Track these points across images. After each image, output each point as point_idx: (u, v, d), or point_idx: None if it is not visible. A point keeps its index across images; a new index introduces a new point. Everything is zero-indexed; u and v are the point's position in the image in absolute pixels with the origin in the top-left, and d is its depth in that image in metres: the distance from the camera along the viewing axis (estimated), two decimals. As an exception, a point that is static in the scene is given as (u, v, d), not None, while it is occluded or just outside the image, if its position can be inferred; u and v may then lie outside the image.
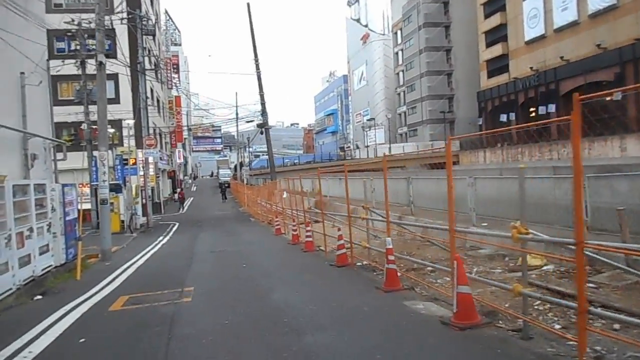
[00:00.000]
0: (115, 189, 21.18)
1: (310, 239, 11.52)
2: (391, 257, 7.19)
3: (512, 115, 51.42)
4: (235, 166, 61.27)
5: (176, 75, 61.36)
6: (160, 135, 38.80)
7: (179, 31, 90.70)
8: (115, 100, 30.19)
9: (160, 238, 18.04)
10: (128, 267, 11.00)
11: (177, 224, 24.38)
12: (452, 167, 6.04)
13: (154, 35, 25.85)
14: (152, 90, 33.46)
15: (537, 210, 9.24)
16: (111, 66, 29.08)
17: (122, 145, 23.44)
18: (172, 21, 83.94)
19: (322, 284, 8.20)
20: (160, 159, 35.48)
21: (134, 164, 22.70)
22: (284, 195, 16.76)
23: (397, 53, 77.72)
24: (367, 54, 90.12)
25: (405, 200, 14.06)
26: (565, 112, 37.33)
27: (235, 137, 66.61)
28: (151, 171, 29.98)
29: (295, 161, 63.03)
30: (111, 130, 30.68)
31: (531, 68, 48.32)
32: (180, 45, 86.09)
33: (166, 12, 72.63)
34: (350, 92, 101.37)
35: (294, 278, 8.88)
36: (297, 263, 10.48)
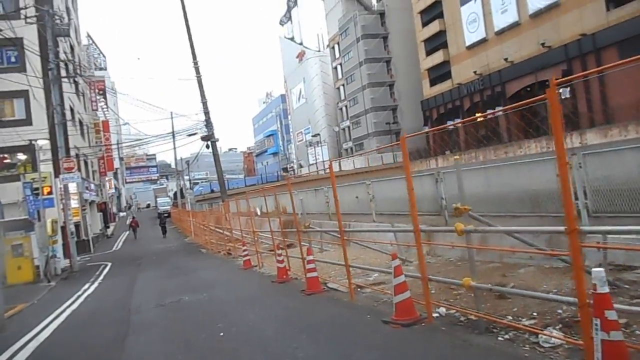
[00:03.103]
0: (25, 226, 16.73)
1: (314, 274, 7.99)
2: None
3: (458, 121, 51.05)
4: (175, 193, 56.30)
5: (103, 100, 56.12)
6: (85, 162, 33.79)
7: (103, 55, 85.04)
8: (27, 121, 25.47)
9: (86, 286, 13.90)
10: (21, 349, 6.91)
11: (110, 264, 19.99)
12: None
13: (67, 36, 21.66)
14: (72, 110, 28.78)
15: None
16: (17, 82, 24.63)
17: (35, 171, 18.88)
18: (96, 45, 78.19)
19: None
20: (87, 188, 30.57)
21: (49, 193, 18.22)
22: (258, 213, 13.36)
23: (335, 68, 76.64)
24: (304, 72, 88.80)
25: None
26: (513, 114, 36.69)
27: (173, 163, 61.64)
28: (74, 203, 25.27)
29: (239, 185, 59.07)
30: (22, 157, 25.77)
31: (475, 72, 48.22)
32: (105, 69, 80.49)
33: (88, 35, 67.02)
34: (290, 111, 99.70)
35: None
36: (318, 322, 6.23)
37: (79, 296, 12.10)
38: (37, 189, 17.71)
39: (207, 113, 24.87)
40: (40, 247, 16.55)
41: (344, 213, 14.97)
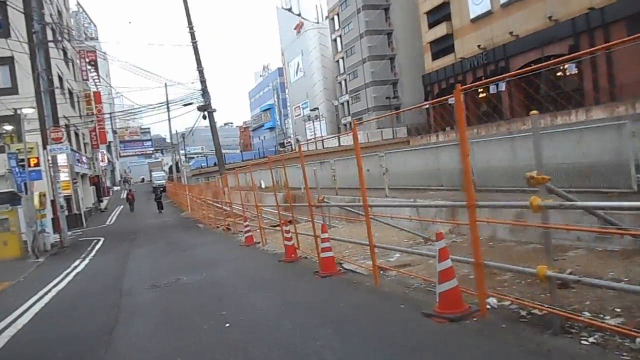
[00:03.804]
0: (11, 200, 15.72)
1: (329, 254, 6.95)
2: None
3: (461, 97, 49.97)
4: (171, 167, 55.14)
5: (94, 71, 54.33)
6: (77, 134, 32.52)
7: (94, 25, 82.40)
8: (12, 89, 24.10)
9: (76, 263, 12.98)
10: None
11: (103, 239, 19.05)
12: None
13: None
14: (60, 78, 27.37)
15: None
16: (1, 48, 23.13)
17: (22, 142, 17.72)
18: (85, 13, 75.61)
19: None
20: (78, 160, 29.42)
21: (36, 165, 17.12)
22: (263, 186, 12.37)
23: (335, 40, 74.63)
24: (302, 44, 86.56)
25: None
26: (517, 90, 35.81)
27: (168, 136, 60.27)
28: (64, 175, 24.22)
29: (236, 160, 57.84)
30: (8, 128, 24.55)
31: (479, 46, 46.95)
32: (97, 40, 78.02)
33: (78, 2, 64.47)
34: (287, 85, 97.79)
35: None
36: (342, 312, 5.24)
37: (68, 274, 11.19)
38: (22, 160, 16.61)
39: (203, 82, 23.52)
40: (27, 221, 15.58)
41: (352, 187, 14.07)
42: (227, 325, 5.15)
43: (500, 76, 3.97)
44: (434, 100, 5.92)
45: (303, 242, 9.32)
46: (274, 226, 13.76)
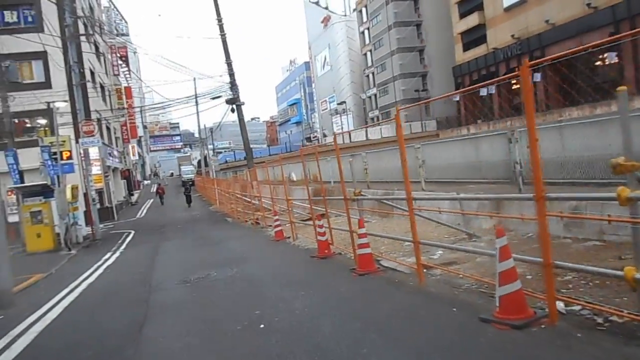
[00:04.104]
0: (44, 192, 15.87)
1: (367, 250, 6.45)
2: None
3: (492, 89, 48.56)
4: (199, 162, 55.61)
5: (125, 66, 55.19)
6: (108, 128, 32.97)
7: (125, 21, 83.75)
8: (46, 83, 24.49)
9: (107, 255, 12.95)
10: (22, 333, 5.68)
11: (133, 232, 19.13)
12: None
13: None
14: (92, 72, 27.69)
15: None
16: (35, 42, 23.40)
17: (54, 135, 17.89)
18: (117, 9, 76.84)
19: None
20: (109, 154, 29.80)
21: (69, 158, 17.25)
22: (294, 179, 12.03)
23: (362, 32, 73.62)
24: (329, 38, 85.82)
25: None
26: (553, 80, 34.32)
27: (197, 130, 60.75)
28: (96, 169, 24.52)
29: (263, 154, 57.86)
30: (42, 122, 24.99)
31: (512, 36, 45.43)
32: (127, 35, 79.26)
33: (109, -1, 65.42)
34: (314, 79, 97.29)
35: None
36: (386, 315, 4.76)
37: (99, 266, 11.13)
38: (55, 153, 16.76)
39: (232, 75, 23.34)
40: (60, 214, 15.70)
41: (384, 181, 13.57)
42: (262, 326, 4.76)
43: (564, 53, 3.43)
44: (467, 89, 5.39)
45: (336, 237, 8.92)
46: (304, 220, 13.42)
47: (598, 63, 36.54)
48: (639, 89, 33.25)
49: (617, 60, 35.06)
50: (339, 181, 14.93)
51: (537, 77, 42.78)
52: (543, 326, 3.68)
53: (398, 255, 7.26)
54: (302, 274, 7.42)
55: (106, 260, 12.27)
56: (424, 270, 5.80)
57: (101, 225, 20.97)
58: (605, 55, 34.35)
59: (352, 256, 7.50)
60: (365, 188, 13.65)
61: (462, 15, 52.50)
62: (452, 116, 55.92)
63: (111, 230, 21.40)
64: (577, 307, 3.95)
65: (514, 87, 45.70)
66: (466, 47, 53.33)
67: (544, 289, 3.87)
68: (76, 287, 8.71)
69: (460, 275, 5.40)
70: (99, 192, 25.71)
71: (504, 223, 8.02)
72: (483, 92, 48.55)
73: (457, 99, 54.16)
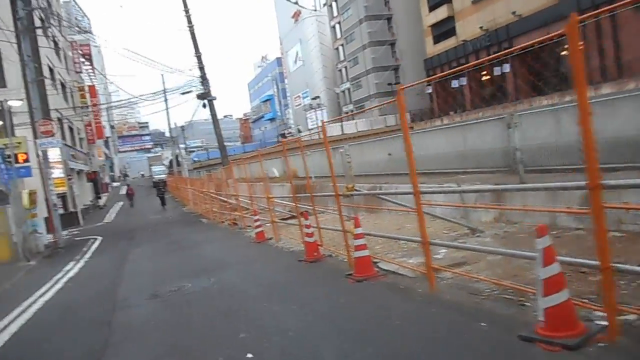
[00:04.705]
0: (-3, 198, 14.53)
1: (365, 252, 5.67)
2: None
3: (464, 80, 48.83)
4: (171, 161, 53.95)
5: (89, 64, 52.93)
6: (71, 128, 31.23)
7: (87, 18, 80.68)
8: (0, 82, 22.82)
9: (70, 266, 11.80)
10: None
11: (100, 238, 17.87)
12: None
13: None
14: (51, 70, 26.03)
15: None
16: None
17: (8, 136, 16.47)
18: (78, 6, 73.87)
19: None
20: (73, 156, 28.19)
21: (25, 160, 15.89)
22: (276, 174, 11.14)
23: (333, 27, 72.98)
24: (300, 33, 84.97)
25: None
26: (521, 71, 34.75)
27: (167, 130, 58.84)
28: (58, 172, 23.02)
29: (237, 152, 56.53)
30: (-3, 123, 23.27)
31: (481, 28, 45.91)
32: (90, 32, 76.33)
33: (69, -6, 62.63)
34: (286, 74, 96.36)
35: None
36: (403, 335, 3.91)
37: (59, 279, 10.01)
38: (9, 156, 15.38)
39: (202, 68, 22.17)
40: (16, 222, 14.37)
41: (369, 174, 12.85)
42: (250, 357, 3.90)
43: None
44: (451, 71, 4.81)
45: (325, 237, 8.13)
46: (284, 219, 12.59)
47: (564, 53, 37.05)
48: (603, 76, 33.87)
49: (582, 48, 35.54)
50: (320, 176, 14.11)
51: (507, 67, 43.47)
52: (601, 344, 2.99)
53: (397, 256, 6.53)
54: (290, 283, 6.54)
55: (68, 271, 11.14)
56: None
57: (65, 232, 19.60)
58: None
59: (345, 259, 6.73)
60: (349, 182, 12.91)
61: (432, 8, 52.57)
62: (425, 108, 56.09)
63: (76, 236, 20.02)
64: (632, 317, 3.28)
65: (483, 78, 46.20)
66: (436, 40, 53.44)
67: (597, 296, 3.19)
68: (30, 305, 7.63)
69: (475, 278, 4.69)
70: (62, 197, 24.21)
71: (505, 215, 7.41)
72: (454, 84, 48.88)
73: (430, 91, 54.37)
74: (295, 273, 7.05)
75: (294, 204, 13.07)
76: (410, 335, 3.88)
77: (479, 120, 9.85)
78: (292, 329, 4.40)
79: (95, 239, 17.81)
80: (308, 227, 7.44)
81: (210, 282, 7.18)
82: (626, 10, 31.00)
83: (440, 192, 6.61)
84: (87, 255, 13.65)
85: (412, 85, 5.77)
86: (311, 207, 9.48)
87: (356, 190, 6.48)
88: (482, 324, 3.68)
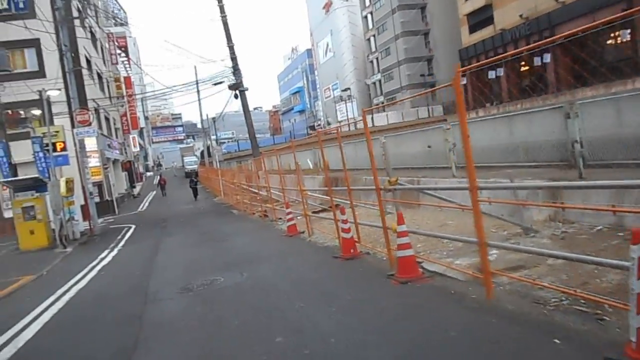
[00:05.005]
0: (36, 186, 14.79)
1: (409, 252, 5.24)
2: None
3: (501, 71, 47.20)
4: (202, 152, 54.46)
5: (125, 57, 53.88)
6: (107, 119, 31.77)
7: (124, 11, 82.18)
8: (39, 72, 23.31)
9: (104, 253, 11.85)
10: None
11: (134, 226, 18.04)
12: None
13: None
14: (88, 60, 26.41)
15: None
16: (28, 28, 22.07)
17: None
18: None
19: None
20: (109, 145, 28.66)
21: (63, 149, 16.10)
22: (310, 166, 10.77)
23: (365, 17, 72.00)
24: (331, 24, 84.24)
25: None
26: (563, 61, 33.12)
27: (199, 121, 59.41)
28: (95, 161, 23.41)
29: (267, 143, 56.59)
30: (37, 112, 23.84)
31: (521, 16, 44.10)
32: (126, 25, 77.76)
33: (106, -14, 63.77)
34: (316, 66, 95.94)
35: None
36: (462, 349, 3.45)
37: (93, 267, 10.03)
38: (47, 145, 15.61)
39: (234, 59, 21.95)
40: (54, 209, 14.58)
41: (406, 167, 12.34)
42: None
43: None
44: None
45: (361, 233, 7.73)
46: (316, 212, 12.25)
47: (610, 42, 35.29)
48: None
49: (629, 38, 33.74)
50: (351, 169, 13.67)
51: (547, 58, 41.79)
52: None
53: (442, 256, 6.08)
54: (327, 281, 6.17)
55: (102, 259, 11.17)
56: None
57: (100, 220, 19.93)
58: (619, 32, 33.01)
59: (385, 257, 6.33)
60: (384, 175, 12.46)
61: (469, -4, 51.01)
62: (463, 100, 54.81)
63: (111, 224, 20.32)
64: None
65: (522, 69, 44.53)
66: (472, 29, 51.80)
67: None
68: (64, 293, 7.59)
69: (539, 285, 4.21)
70: (99, 185, 24.64)
71: (561, 214, 6.83)
72: (491, 74, 47.32)
73: (464, 82, 52.93)
74: (332, 270, 6.68)
75: (326, 196, 12.78)
76: (470, 350, 3.45)
77: (534, 110, 9.15)
78: (333, 335, 4.03)
79: (130, 227, 17.99)
80: (345, 222, 7.06)
81: (243, 277, 6.92)
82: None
83: (500, 188, 6.07)
84: (121, 244, 13.73)
85: (473, 68, 5.26)
86: (346, 201, 9.10)
87: (399, 184, 6.05)
88: (556, 340, 3.22)
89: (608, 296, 3.67)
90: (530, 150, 8.72)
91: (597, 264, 3.81)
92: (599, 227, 6.02)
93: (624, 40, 33.38)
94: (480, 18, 50.02)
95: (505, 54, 4.33)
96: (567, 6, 37.95)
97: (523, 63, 43.75)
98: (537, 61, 41.08)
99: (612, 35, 34.65)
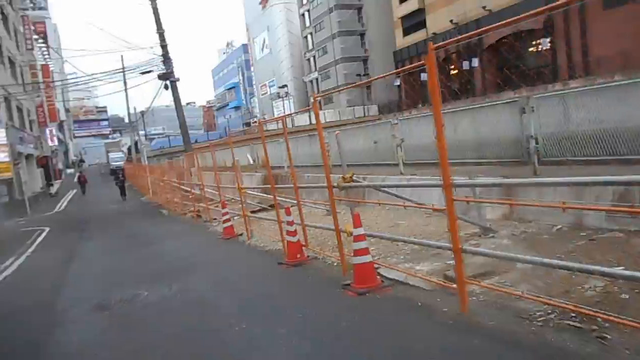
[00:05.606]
0: None
1: (367, 258, 4.60)
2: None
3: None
4: (129, 148, 51.30)
5: (44, 43, 49.50)
6: (19, 109, 28.73)
7: (43, -6, 75.81)
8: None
9: (9, 261, 10.28)
10: None
11: (48, 229, 16.14)
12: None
13: None
14: (-4, 43, 23.63)
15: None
16: None
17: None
18: (31, -21, 69.13)
19: None
20: (21, 139, 25.88)
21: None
22: (251, 162, 9.78)
23: (303, 14, 71.52)
24: (268, 20, 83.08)
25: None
26: (490, 66, 35.13)
27: (126, 115, 55.92)
28: (3, 156, 20.95)
29: (201, 139, 54.35)
30: None
31: (451, 21, 46.15)
32: (46, 9, 71.77)
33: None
34: (252, 62, 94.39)
35: None
36: None
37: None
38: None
39: (164, 46, 20.37)
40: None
41: (352, 164, 11.80)
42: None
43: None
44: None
45: (307, 234, 7.03)
46: (255, 212, 11.41)
47: (532, 49, 37.67)
48: (571, 75, 34.36)
49: (549, 47, 36.40)
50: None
51: (475, 62, 43.82)
52: None
53: (399, 260, 5.51)
54: (274, 294, 5.34)
55: (6, 268, 9.63)
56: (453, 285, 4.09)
57: (8, 222, 17.74)
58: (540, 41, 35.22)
59: (336, 261, 5.68)
60: (338, 172, 11.88)
61: (402, 0, 52.12)
62: (393, 101, 56.00)
63: (22, 227, 18.12)
64: None
65: (452, 72, 46.47)
66: (406, 32, 53.15)
67: None
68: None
69: (514, 295, 3.72)
70: (8, 183, 22.12)
71: (517, 212, 6.54)
72: (424, 76, 48.66)
73: (398, 83, 54.10)
74: (278, 280, 5.89)
75: (266, 195, 11.98)
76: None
77: (488, 104, 8.94)
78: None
79: (43, 229, 16.06)
80: (291, 223, 6.32)
81: (171, 291, 5.89)
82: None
83: (476, 186, 5.57)
84: (31, 249, 12.04)
85: (446, 45, 4.72)
86: (289, 200, 8.40)
87: (354, 181, 5.41)
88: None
89: (596, 307, 3.25)
90: (490, 146, 8.42)
91: (591, 272, 3.35)
92: (558, 227, 5.75)
93: (545, 48, 35.68)
94: (413, 21, 51.40)
95: (479, 30, 3.88)
96: (494, 14, 39.95)
97: (452, 67, 45.59)
98: (465, 65, 42.96)
99: (533, 43, 36.90)
